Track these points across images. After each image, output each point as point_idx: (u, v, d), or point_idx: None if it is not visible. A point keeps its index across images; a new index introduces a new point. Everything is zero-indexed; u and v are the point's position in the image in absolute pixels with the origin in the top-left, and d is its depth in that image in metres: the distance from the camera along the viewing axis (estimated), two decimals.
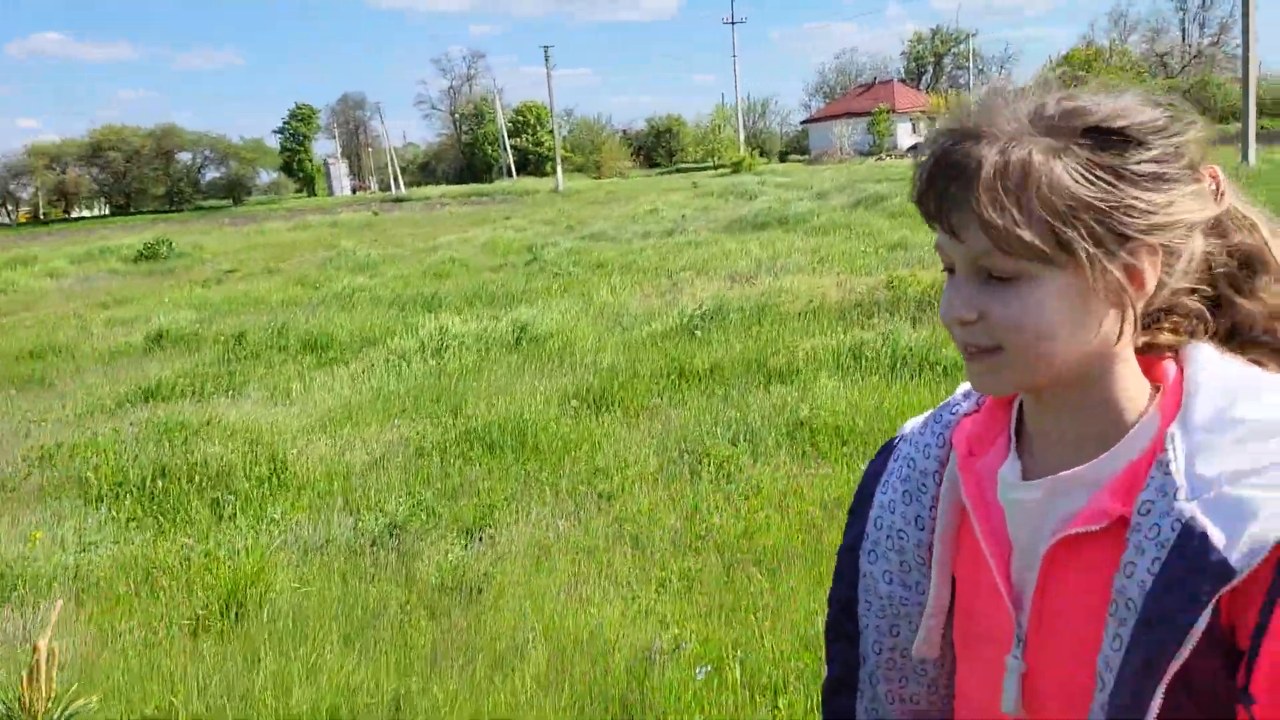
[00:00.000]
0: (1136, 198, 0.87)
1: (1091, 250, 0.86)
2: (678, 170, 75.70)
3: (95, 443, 6.97)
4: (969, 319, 0.92)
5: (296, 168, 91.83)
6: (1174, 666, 0.82)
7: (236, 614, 4.39)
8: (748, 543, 4.80)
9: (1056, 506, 0.95)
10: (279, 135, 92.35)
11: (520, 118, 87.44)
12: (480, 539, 5.16)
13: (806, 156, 72.70)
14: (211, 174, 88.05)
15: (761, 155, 69.98)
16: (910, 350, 7.69)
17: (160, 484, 6.15)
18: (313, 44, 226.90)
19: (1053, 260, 0.87)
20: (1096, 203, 0.86)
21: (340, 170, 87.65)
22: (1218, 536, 0.81)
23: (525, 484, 5.90)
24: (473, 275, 17.09)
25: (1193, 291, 0.96)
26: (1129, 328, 0.91)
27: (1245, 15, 25.95)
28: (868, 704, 1.18)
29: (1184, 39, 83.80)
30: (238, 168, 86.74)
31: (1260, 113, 29.84)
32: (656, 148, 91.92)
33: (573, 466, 6.12)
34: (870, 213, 20.24)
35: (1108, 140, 0.87)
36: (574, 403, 7.42)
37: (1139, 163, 0.87)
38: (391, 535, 5.18)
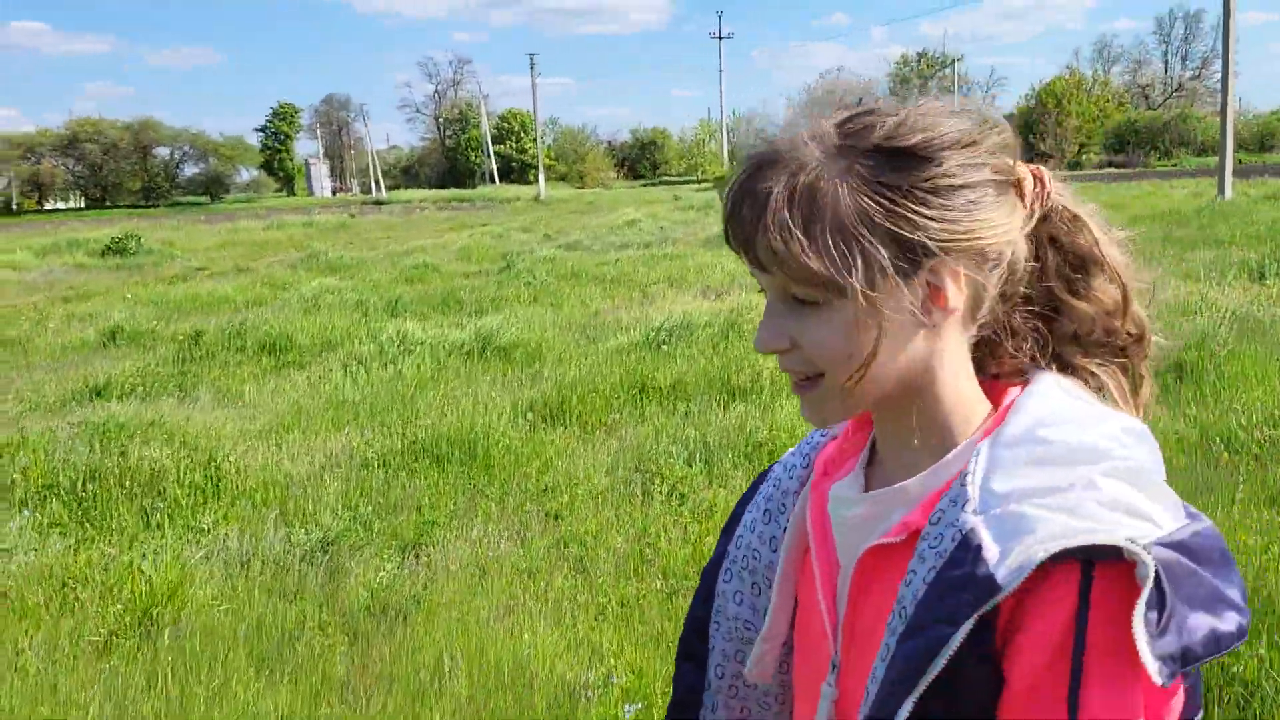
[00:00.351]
0: (928, 215, 0.84)
1: (886, 272, 0.85)
2: (662, 183, 75.70)
3: (26, 442, 6.68)
4: (780, 347, 0.91)
5: (277, 166, 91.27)
6: (924, 682, 0.79)
7: (148, 631, 4.14)
8: (694, 568, 4.59)
9: (879, 524, 0.93)
10: (260, 133, 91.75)
11: (505, 124, 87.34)
12: (416, 557, 4.93)
13: None
14: (190, 170, 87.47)
15: None
16: None
17: (90, 488, 5.88)
18: (298, 45, 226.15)
19: (847, 285, 0.84)
20: (885, 223, 0.84)
21: (321, 171, 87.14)
22: (991, 551, 0.79)
23: (470, 499, 5.67)
24: (445, 280, 16.86)
25: (1028, 304, 0.94)
26: (946, 346, 0.90)
27: (1225, 50, 26.08)
28: None
29: (1166, 71, 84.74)
30: (217, 164, 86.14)
31: (1238, 147, 29.99)
32: (641, 160, 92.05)
33: (521, 482, 5.90)
34: None
35: (895, 158, 0.85)
36: (530, 415, 7.20)
37: (928, 179, 0.85)
38: (324, 551, 4.94)
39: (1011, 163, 0.91)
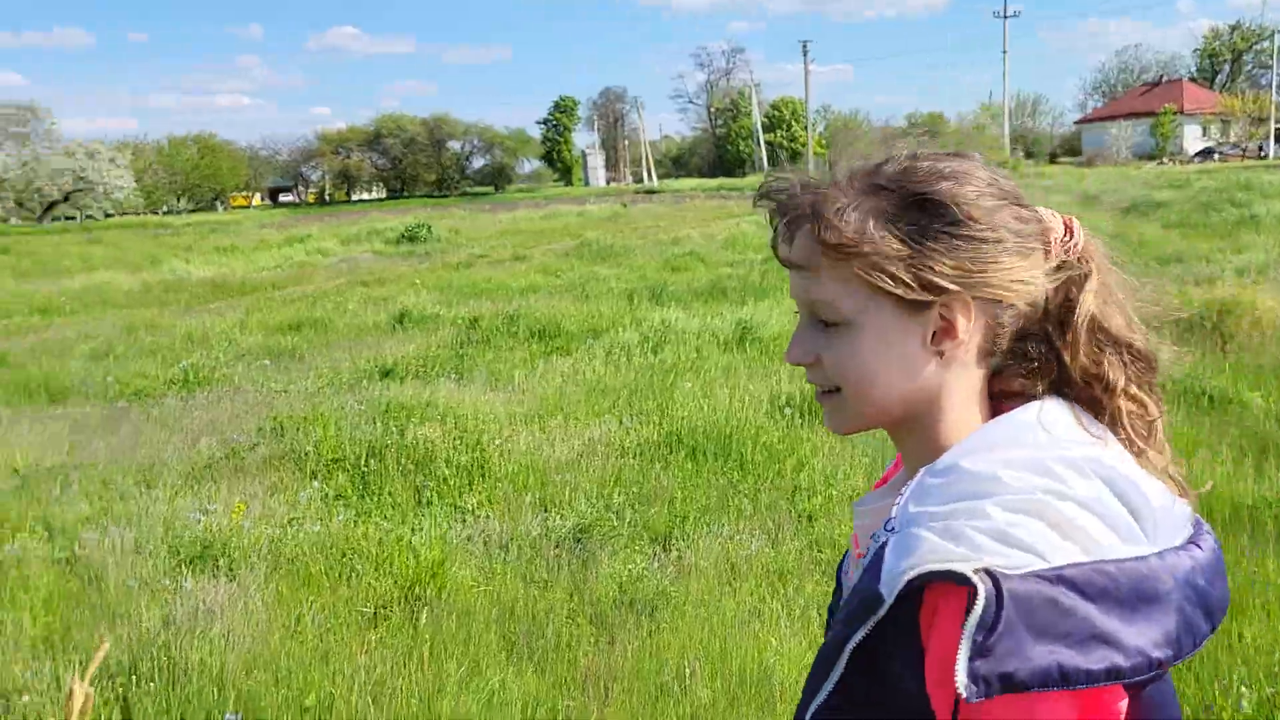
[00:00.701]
0: (946, 258, 0.93)
1: (902, 304, 0.95)
2: None
3: (320, 417, 7.23)
4: (806, 362, 1.02)
5: (556, 158, 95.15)
6: (832, 678, 0.89)
7: (411, 607, 4.34)
8: None
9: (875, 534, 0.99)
10: (541, 126, 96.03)
11: (775, 112, 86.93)
12: (666, 551, 4.91)
13: (1078, 159, 68.21)
14: (478, 162, 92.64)
15: (1029, 157, 66.17)
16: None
17: (371, 464, 6.28)
18: (580, 39, 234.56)
19: (863, 311, 0.96)
20: (905, 260, 0.93)
21: (597, 161, 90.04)
22: (885, 566, 0.86)
23: (723, 495, 5.60)
24: (709, 269, 16.95)
25: (1044, 338, 1.01)
26: (956, 377, 0.98)
27: None
28: None
29: None
30: (501, 156, 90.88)
31: None
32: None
33: (775, 480, 5.78)
34: (1143, 221, 18.59)
35: (924, 202, 0.94)
36: (787, 410, 7.05)
37: (950, 224, 0.94)
38: (577, 540, 5.02)
39: (1039, 216, 1.00)
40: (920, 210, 0.94)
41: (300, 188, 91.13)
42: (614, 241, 22.75)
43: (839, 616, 0.91)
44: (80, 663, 3.89)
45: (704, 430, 6.48)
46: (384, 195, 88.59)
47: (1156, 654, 0.82)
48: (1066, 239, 1.00)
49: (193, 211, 71.59)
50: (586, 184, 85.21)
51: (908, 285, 0.94)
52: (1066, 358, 1.00)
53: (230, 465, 6.55)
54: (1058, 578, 0.81)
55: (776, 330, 9.93)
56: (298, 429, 7.09)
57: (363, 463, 6.31)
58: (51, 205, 60.33)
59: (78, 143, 64.02)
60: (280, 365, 10.63)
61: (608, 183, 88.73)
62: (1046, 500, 0.85)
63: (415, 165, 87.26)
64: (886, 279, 0.94)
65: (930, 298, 0.94)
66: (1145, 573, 0.84)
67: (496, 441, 6.49)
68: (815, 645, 3.85)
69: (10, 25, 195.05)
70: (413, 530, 5.24)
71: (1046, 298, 1.00)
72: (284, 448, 6.74)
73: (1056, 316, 1.00)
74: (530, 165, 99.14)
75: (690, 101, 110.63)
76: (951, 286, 0.94)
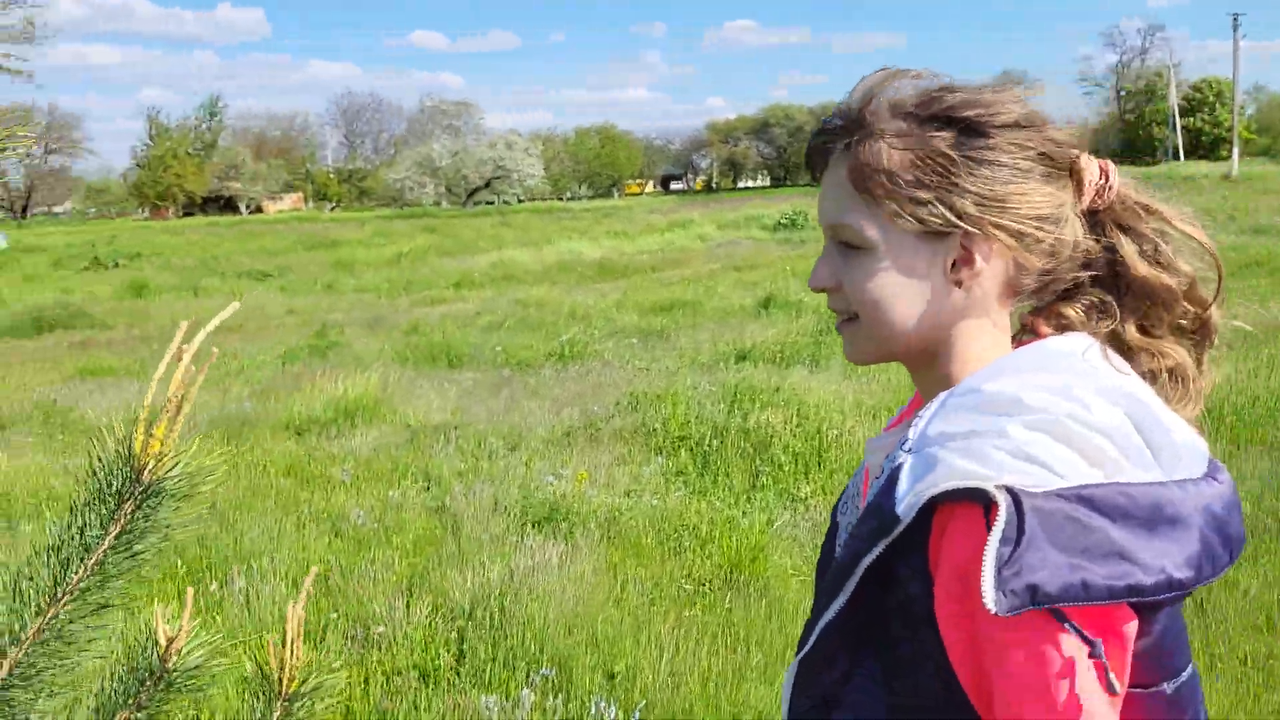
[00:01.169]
0: (968, 184, 0.94)
1: (922, 228, 0.95)
2: None
3: (672, 396, 7.47)
4: (828, 286, 1.02)
5: None
6: (842, 596, 0.90)
7: (727, 589, 4.37)
8: None
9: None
10: None
11: (1197, 94, 78.38)
12: None
13: None
14: None
15: None
16: None
17: (714, 444, 6.40)
18: (978, 23, 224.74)
19: (887, 235, 0.97)
20: (927, 184, 0.95)
21: None
22: (901, 487, 0.87)
23: None
24: None
25: (1095, 281, 1.00)
26: (975, 311, 0.98)
27: None
28: None
29: None
30: None
31: None
32: None
33: None
34: None
35: (950, 127, 0.95)
36: None
37: (975, 150, 0.94)
38: None
39: (1069, 151, 0.98)
40: (943, 138, 0.94)
41: (689, 176, 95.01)
42: None
43: (852, 534, 0.91)
44: (432, 604, 4.30)
45: None
46: (768, 183, 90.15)
47: (1178, 574, 0.82)
48: (1102, 182, 0.99)
49: (591, 197, 76.91)
50: None
51: (928, 211, 0.94)
52: (1108, 308, 0.99)
53: (586, 435, 6.94)
54: (1077, 496, 0.81)
55: None
56: (651, 406, 7.37)
57: (706, 442, 6.45)
58: (474, 191, 67.30)
59: (500, 135, 70.87)
60: (647, 344, 11.12)
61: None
62: (1068, 423, 0.84)
63: (800, 154, 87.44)
64: (906, 205, 0.94)
65: (950, 225, 0.94)
66: (1165, 497, 0.84)
67: (835, 432, 6.38)
68: None
69: (451, 34, 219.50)
70: (743, 513, 5.27)
71: (1088, 248, 0.99)
72: (636, 422, 7.04)
73: (1098, 266, 1.00)
74: None
75: (1097, 84, 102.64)
76: (971, 212, 0.94)
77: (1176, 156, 68.65)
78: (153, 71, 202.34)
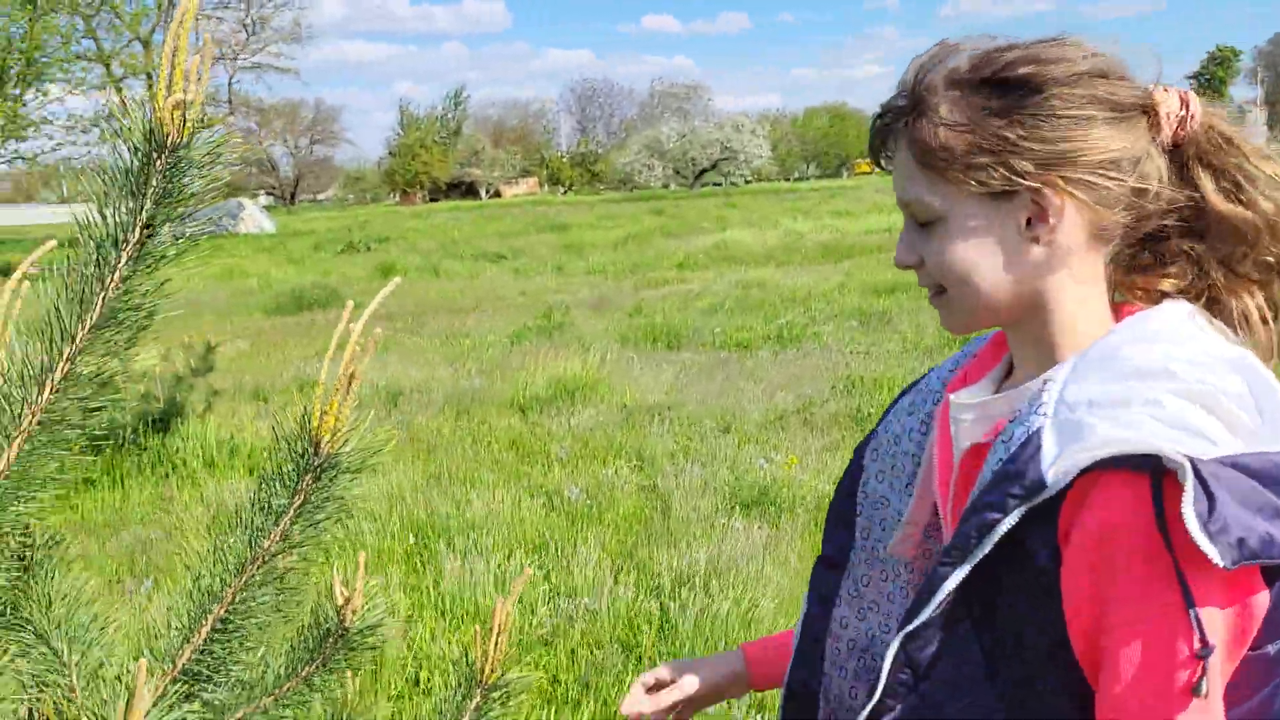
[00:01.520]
0: (1027, 139, 0.92)
1: (988, 190, 0.94)
2: None
3: (887, 380, 7.30)
4: (910, 263, 1.02)
5: None
6: (970, 561, 0.87)
7: None
8: None
9: (982, 427, 1.01)
10: (1192, 81, 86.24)
11: None
12: None
13: None
14: None
15: None
16: None
17: None
18: None
19: (954, 203, 0.96)
20: (987, 145, 0.93)
21: (1257, 118, 78.71)
22: (1049, 452, 0.85)
23: None
24: None
25: (1183, 227, 0.97)
26: (1064, 267, 0.96)
27: None
28: (851, 584, 1.21)
29: None
30: None
31: None
32: None
33: None
34: None
35: (1004, 86, 0.93)
36: None
37: (1031, 105, 0.92)
38: None
39: (1137, 90, 0.94)
40: (999, 96, 0.93)
41: None
42: None
43: (975, 502, 0.88)
44: (637, 580, 4.40)
45: None
46: None
47: None
48: (1183, 113, 0.95)
49: (819, 178, 75.90)
50: None
51: (988, 174, 0.93)
52: (1201, 260, 0.97)
53: (799, 419, 6.89)
54: (1234, 464, 0.81)
55: None
56: (866, 391, 7.24)
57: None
58: (702, 172, 67.68)
59: (728, 117, 71.02)
60: (868, 327, 10.89)
61: (1265, 143, 77.24)
62: (1214, 392, 0.85)
63: None
64: (967, 171, 0.94)
65: (1014, 185, 0.93)
66: None
67: None
68: None
69: (684, 18, 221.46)
70: None
71: (1171, 184, 0.95)
72: (850, 406, 6.93)
73: (1186, 207, 0.96)
74: None
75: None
76: (1033, 169, 0.92)
77: None
78: (406, 65, 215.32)
